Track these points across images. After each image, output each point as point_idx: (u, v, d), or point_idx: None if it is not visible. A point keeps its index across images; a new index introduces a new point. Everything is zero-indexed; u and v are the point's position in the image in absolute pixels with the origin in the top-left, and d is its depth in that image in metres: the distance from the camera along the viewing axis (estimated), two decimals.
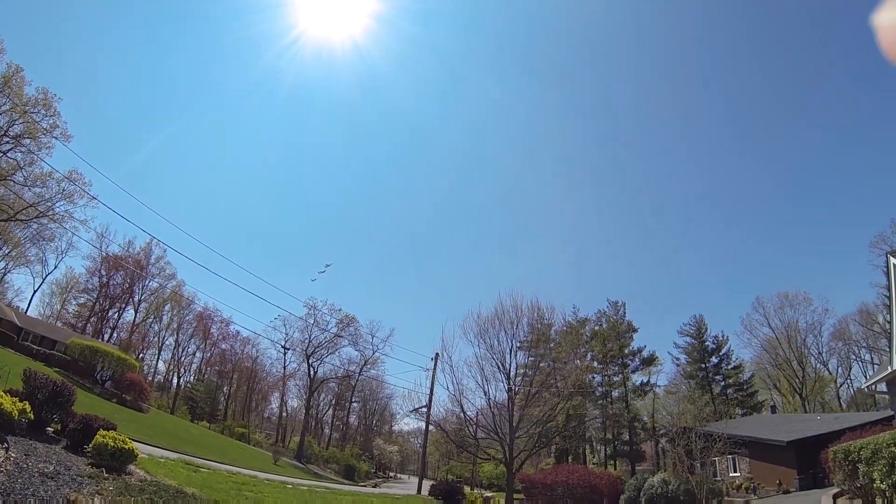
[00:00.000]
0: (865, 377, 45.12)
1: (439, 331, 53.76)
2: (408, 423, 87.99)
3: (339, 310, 60.98)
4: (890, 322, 18.87)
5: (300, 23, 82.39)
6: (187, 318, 71.29)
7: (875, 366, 47.62)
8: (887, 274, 17.28)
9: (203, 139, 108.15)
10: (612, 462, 59.03)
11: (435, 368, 29.52)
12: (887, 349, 18.42)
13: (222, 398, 76.78)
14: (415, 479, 58.17)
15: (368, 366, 66.83)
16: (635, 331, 61.26)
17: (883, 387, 19.45)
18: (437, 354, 28.80)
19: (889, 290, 17.66)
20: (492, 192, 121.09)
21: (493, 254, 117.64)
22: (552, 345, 41.74)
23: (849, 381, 59.15)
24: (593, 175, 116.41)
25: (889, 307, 18.90)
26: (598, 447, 64.16)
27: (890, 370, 17.11)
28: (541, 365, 33.59)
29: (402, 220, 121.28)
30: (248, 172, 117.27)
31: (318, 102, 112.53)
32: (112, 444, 9.36)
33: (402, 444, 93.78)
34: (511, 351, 24.59)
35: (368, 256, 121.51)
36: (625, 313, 62.23)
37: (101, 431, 9.79)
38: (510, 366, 24.89)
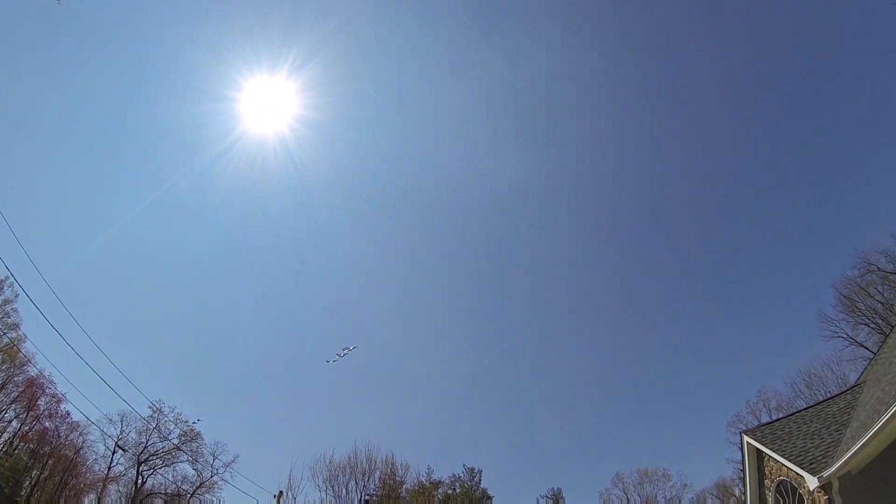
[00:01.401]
0: None
1: (286, 466, 49.29)
2: None
3: (186, 421, 54.44)
4: (745, 495, 19.90)
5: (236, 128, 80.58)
6: (16, 378, 58.82)
7: None
8: (742, 451, 18.17)
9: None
10: None
11: None
12: None
13: (28, 483, 62.40)
14: None
15: (204, 489, 59.32)
16: (490, 498, 60.45)
17: None
18: (280, 492, 27.19)
19: (743, 465, 18.77)
20: (374, 341, 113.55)
21: (357, 401, 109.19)
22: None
23: None
24: (476, 336, 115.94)
25: (743, 481, 19.95)
26: None
27: None
28: None
29: (276, 348, 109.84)
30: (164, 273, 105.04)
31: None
32: None
33: None
34: (359, 502, 24.21)
35: (233, 374, 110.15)
36: (480, 480, 61.41)
37: None
38: None
